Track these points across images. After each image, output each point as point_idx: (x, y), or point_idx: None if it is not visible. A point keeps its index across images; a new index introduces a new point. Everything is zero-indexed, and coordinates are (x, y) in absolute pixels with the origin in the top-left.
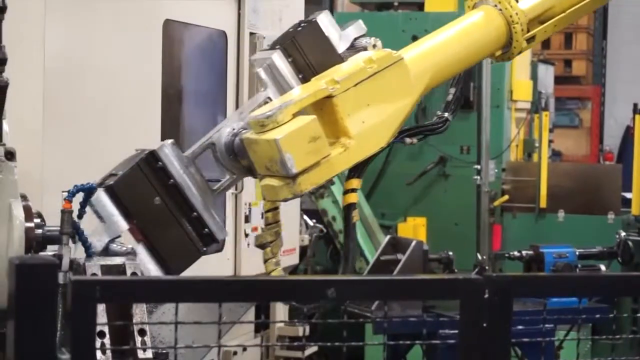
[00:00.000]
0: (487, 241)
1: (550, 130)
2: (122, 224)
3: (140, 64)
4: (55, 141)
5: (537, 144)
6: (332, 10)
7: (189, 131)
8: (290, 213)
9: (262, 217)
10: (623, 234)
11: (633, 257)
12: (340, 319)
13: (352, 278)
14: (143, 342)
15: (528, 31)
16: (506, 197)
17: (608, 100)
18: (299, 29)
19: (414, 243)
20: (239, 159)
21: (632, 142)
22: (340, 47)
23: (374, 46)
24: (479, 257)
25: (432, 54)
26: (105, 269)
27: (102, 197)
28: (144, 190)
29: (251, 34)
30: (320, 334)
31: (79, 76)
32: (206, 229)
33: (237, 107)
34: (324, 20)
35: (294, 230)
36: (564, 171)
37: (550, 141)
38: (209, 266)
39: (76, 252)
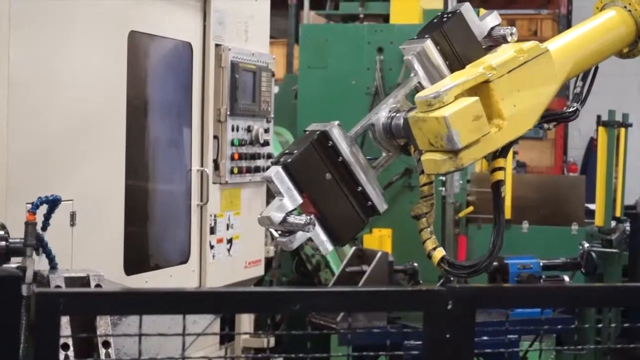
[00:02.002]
0: (453, 252)
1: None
2: (298, 197)
3: (106, 74)
4: (20, 152)
5: None
6: (297, 22)
7: (153, 142)
8: (255, 225)
9: (419, 187)
10: (586, 245)
11: (596, 268)
12: (305, 331)
13: (317, 290)
14: (107, 354)
15: None
16: (471, 208)
17: None
18: (444, 19)
19: (379, 254)
20: (395, 139)
21: (596, 154)
22: (480, 36)
23: (511, 34)
24: None
25: (573, 48)
26: (69, 281)
27: (281, 174)
28: (316, 166)
29: (217, 45)
30: (285, 346)
31: (44, 86)
32: (369, 202)
33: (202, 117)
34: (468, 11)
35: (259, 242)
36: (529, 183)
37: (514, 153)
38: (174, 278)
39: (40, 264)
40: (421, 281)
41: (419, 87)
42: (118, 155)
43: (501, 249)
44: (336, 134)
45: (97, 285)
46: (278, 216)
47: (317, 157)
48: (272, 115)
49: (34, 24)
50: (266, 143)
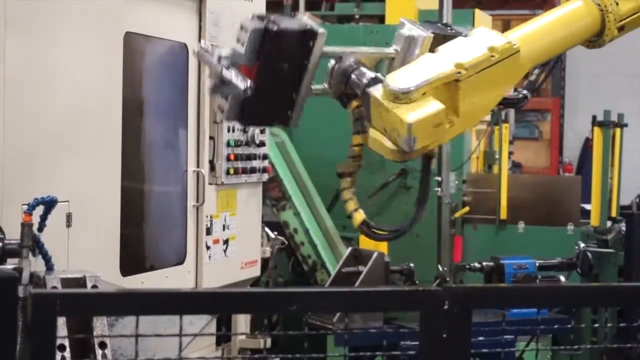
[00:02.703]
0: (448, 252)
1: (511, 142)
2: (252, 58)
3: (101, 75)
4: (16, 153)
5: (497, 156)
6: None
7: (149, 143)
8: (251, 225)
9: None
10: (582, 245)
11: (592, 268)
12: (302, 331)
13: (314, 290)
14: (104, 355)
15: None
16: (467, 208)
17: (567, 112)
18: (450, 30)
19: (375, 255)
20: (345, 87)
21: (591, 154)
22: None
23: None
24: (440, 268)
25: (538, 38)
26: (65, 282)
27: (257, 32)
28: (285, 50)
29: (212, 46)
30: (282, 346)
31: (39, 87)
32: (290, 111)
33: (198, 118)
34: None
35: (255, 243)
36: (524, 183)
37: (510, 153)
38: (170, 279)
39: (36, 265)
40: (417, 282)
41: (390, 64)
42: (114, 156)
43: (422, 217)
44: (320, 42)
45: (94, 287)
46: (225, 55)
47: (292, 45)
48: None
49: (29, 25)
50: (262, 144)
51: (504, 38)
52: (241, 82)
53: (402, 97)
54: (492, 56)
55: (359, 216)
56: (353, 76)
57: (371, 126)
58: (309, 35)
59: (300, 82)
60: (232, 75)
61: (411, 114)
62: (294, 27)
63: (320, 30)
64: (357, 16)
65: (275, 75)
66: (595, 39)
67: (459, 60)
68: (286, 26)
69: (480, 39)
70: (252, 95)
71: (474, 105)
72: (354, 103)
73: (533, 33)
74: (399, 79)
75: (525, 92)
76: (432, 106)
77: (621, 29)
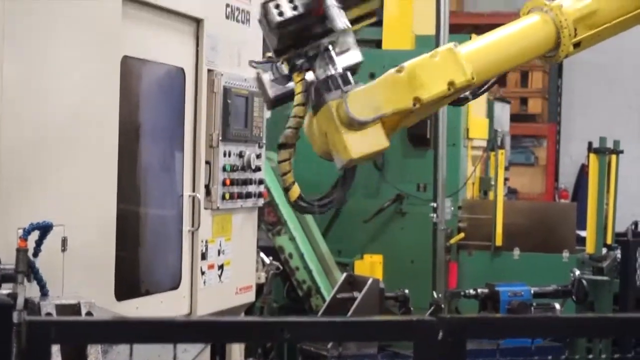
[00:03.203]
0: (444, 279)
1: (506, 168)
2: None
3: (98, 98)
4: (11, 176)
5: (493, 182)
6: None
7: (145, 166)
8: (246, 250)
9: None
10: (577, 272)
11: (587, 295)
12: (296, 359)
13: (307, 320)
14: None
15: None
16: (462, 234)
17: (563, 138)
18: None
19: (370, 281)
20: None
21: (587, 180)
22: None
23: None
24: (435, 295)
25: (488, 52)
26: (60, 308)
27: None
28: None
29: (209, 70)
30: None
31: (36, 110)
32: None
33: (194, 143)
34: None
35: (250, 268)
36: (520, 209)
37: (506, 179)
38: (165, 304)
39: (31, 291)
40: (412, 308)
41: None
42: (110, 180)
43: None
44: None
45: (88, 313)
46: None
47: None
48: (264, 141)
49: (27, 44)
50: (258, 169)
51: (465, 69)
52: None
53: (356, 125)
54: (449, 89)
55: (296, 190)
56: (325, 58)
57: (312, 114)
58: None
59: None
60: None
61: (357, 146)
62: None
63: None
64: None
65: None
66: (551, 55)
67: (418, 95)
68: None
69: (443, 66)
70: None
71: (414, 120)
72: (302, 75)
73: (487, 46)
74: (358, 104)
75: (467, 94)
76: (379, 142)
77: (577, 45)
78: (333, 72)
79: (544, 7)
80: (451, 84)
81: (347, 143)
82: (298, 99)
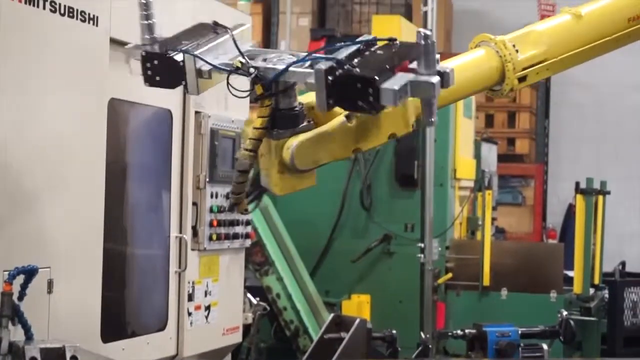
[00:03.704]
0: (431, 319)
1: (494, 208)
2: None
3: (85, 141)
4: None
5: (480, 222)
6: None
7: (132, 208)
8: (233, 291)
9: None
10: (565, 313)
11: (575, 336)
12: None
13: None
14: None
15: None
16: (450, 275)
17: (551, 178)
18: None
19: (357, 321)
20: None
21: (574, 220)
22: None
23: None
24: (423, 335)
25: None
26: (45, 352)
27: None
28: None
29: (196, 112)
30: None
31: (23, 151)
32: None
33: (181, 184)
34: None
35: (237, 309)
36: (507, 249)
37: (493, 219)
38: (151, 345)
39: (15, 335)
40: (399, 348)
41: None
42: (97, 221)
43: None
44: None
45: (73, 357)
46: None
47: None
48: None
49: (16, 86)
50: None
51: (409, 121)
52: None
53: (292, 169)
54: (389, 139)
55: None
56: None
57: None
58: None
59: None
60: None
61: (286, 186)
62: None
63: None
64: None
65: None
66: (497, 89)
67: (360, 146)
68: None
69: (391, 117)
70: None
71: None
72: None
73: None
74: (302, 153)
75: None
76: (308, 183)
77: (523, 80)
78: (296, 108)
79: (489, 41)
80: (392, 135)
81: (279, 182)
82: (262, 122)
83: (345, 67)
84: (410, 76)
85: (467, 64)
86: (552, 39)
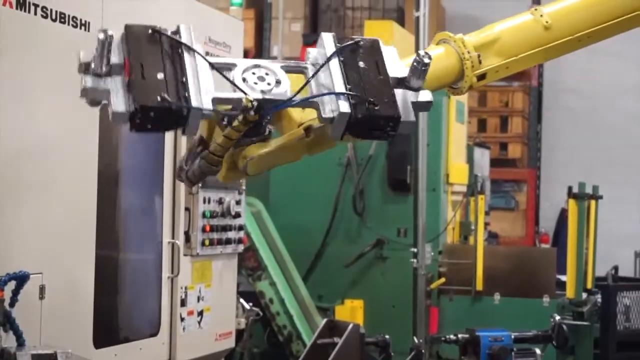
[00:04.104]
0: (424, 324)
1: (487, 213)
2: (119, 56)
3: (77, 146)
4: None
5: (473, 227)
6: None
7: (125, 213)
8: (226, 297)
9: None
10: (557, 317)
11: (567, 340)
12: None
13: None
14: None
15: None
16: (443, 279)
17: (543, 183)
18: (360, 42)
19: (350, 326)
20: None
21: (567, 224)
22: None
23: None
24: (416, 340)
25: None
26: (37, 358)
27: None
28: (151, 40)
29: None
30: None
31: (14, 156)
32: (186, 93)
33: (174, 189)
34: (388, 50)
35: (230, 314)
36: (500, 254)
37: (486, 224)
38: (144, 351)
39: (7, 341)
40: (392, 353)
41: (305, 73)
42: (89, 226)
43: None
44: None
45: None
46: (87, 56)
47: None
48: (244, 187)
49: (7, 90)
50: (238, 215)
51: None
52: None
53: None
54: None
55: None
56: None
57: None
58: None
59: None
60: None
61: (229, 178)
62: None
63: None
64: None
65: (151, 61)
66: (457, 86)
67: (312, 152)
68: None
69: None
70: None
71: None
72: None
73: None
74: (257, 164)
75: None
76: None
77: (482, 78)
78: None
79: (449, 39)
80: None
81: (225, 174)
82: (237, 136)
83: (366, 106)
84: (411, 97)
85: None
86: (510, 37)
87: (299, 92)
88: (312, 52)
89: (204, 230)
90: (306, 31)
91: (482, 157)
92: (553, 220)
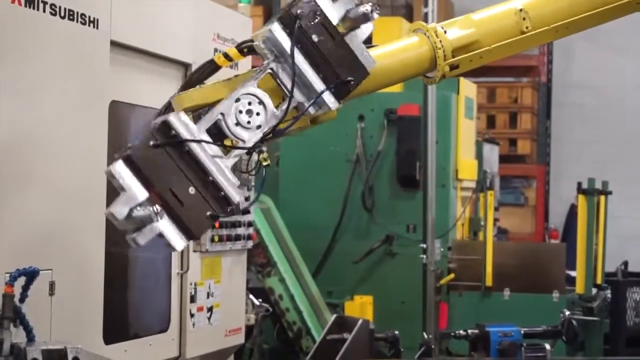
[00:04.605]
0: (434, 320)
1: (496, 209)
2: (142, 192)
3: (86, 143)
4: None
5: (482, 223)
6: None
7: None
8: (235, 293)
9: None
10: (567, 312)
11: (577, 336)
12: None
13: None
14: None
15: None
16: (452, 275)
17: (553, 178)
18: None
19: (360, 322)
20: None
21: (577, 220)
22: (335, 18)
23: (373, 11)
24: (425, 335)
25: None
26: (47, 353)
27: (119, 168)
28: (159, 158)
29: None
30: None
31: (24, 156)
32: (222, 192)
33: None
34: None
35: (239, 310)
36: (509, 250)
37: (495, 219)
38: (154, 347)
39: (17, 336)
40: (402, 349)
41: (273, 74)
42: (99, 223)
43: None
44: (177, 123)
45: (75, 358)
46: (122, 211)
47: (159, 148)
48: (253, 184)
49: (17, 90)
50: (247, 211)
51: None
52: (152, 213)
53: None
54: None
55: None
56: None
57: None
58: (164, 129)
59: (202, 165)
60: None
61: None
62: (146, 134)
63: (171, 115)
64: None
65: (174, 181)
66: (431, 75)
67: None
68: (138, 141)
69: None
70: (173, 215)
71: None
72: None
73: None
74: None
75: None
76: None
77: (455, 67)
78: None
79: (422, 28)
80: (314, 120)
81: None
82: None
83: (346, 86)
84: (360, 37)
85: (398, 50)
86: (485, 26)
87: (288, 127)
88: (266, 44)
89: (213, 226)
90: None
91: (491, 153)
92: (562, 216)
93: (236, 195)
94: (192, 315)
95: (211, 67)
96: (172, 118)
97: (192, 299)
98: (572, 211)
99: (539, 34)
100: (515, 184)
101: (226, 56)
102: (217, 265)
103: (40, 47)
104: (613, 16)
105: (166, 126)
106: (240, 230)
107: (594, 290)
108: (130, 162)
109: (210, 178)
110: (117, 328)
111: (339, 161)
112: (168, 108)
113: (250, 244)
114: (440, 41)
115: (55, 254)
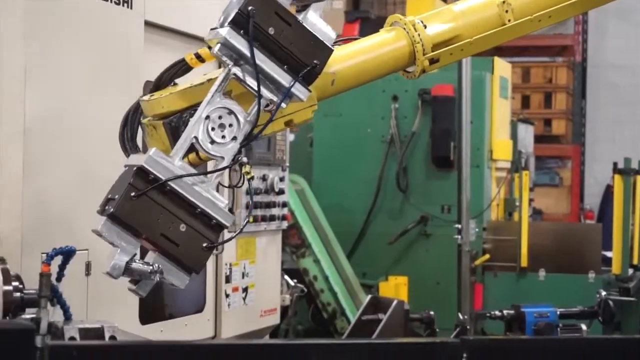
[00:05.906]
0: (469, 300)
1: (531, 189)
2: (135, 242)
3: (119, 125)
4: (35, 203)
5: (517, 203)
6: None
7: None
8: (270, 273)
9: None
10: (604, 293)
11: (614, 316)
12: None
13: (330, 342)
14: None
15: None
16: (487, 256)
17: (588, 159)
18: None
19: (395, 303)
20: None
21: (612, 201)
22: (286, 1)
23: None
24: (460, 316)
25: (344, 65)
26: (84, 332)
27: (105, 228)
28: (143, 205)
29: None
30: None
31: (59, 137)
32: (213, 220)
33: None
34: None
35: (274, 290)
36: (545, 230)
37: (530, 200)
38: (189, 327)
39: (54, 315)
40: (437, 329)
41: (237, 78)
42: None
43: None
44: (153, 164)
45: (112, 337)
46: (119, 266)
47: (141, 196)
48: (287, 164)
49: (49, 74)
50: (281, 192)
51: (309, 115)
52: (150, 272)
53: None
54: (286, 126)
55: None
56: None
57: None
58: (142, 175)
59: (187, 199)
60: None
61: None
62: (125, 186)
63: (143, 160)
64: None
65: (164, 224)
66: (411, 70)
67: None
68: (118, 194)
69: (295, 106)
70: (170, 256)
71: None
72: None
73: (343, 57)
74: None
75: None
76: None
77: (435, 62)
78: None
79: (400, 21)
80: (288, 123)
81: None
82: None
83: (312, 70)
84: (317, 12)
85: (375, 45)
86: (467, 18)
87: (262, 130)
88: (223, 51)
89: (247, 207)
90: (348, 9)
91: (526, 133)
92: (597, 197)
93: (227, 220)
94: (227, 296)
95: (183, 68)
96: (145, 163)
97: (227, 280)
98: (608, 192)
99: (521, 24)
100: (550, 164)
101: (198, 57)
102: (251, 246)
103: (74, 28)
104: (596, 3)
105: (143, 172)
106: (275, 211)
107: (630, 271)
108: (115, 219)
109: (198, 210)
110: (152, 308)
111: (373, 142)
112: (136, 111)
113: (284, 224)
114: (419, 34)
115: (91, 235)
